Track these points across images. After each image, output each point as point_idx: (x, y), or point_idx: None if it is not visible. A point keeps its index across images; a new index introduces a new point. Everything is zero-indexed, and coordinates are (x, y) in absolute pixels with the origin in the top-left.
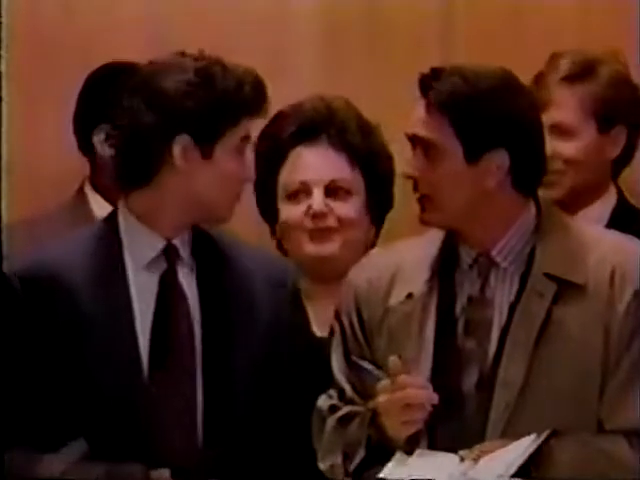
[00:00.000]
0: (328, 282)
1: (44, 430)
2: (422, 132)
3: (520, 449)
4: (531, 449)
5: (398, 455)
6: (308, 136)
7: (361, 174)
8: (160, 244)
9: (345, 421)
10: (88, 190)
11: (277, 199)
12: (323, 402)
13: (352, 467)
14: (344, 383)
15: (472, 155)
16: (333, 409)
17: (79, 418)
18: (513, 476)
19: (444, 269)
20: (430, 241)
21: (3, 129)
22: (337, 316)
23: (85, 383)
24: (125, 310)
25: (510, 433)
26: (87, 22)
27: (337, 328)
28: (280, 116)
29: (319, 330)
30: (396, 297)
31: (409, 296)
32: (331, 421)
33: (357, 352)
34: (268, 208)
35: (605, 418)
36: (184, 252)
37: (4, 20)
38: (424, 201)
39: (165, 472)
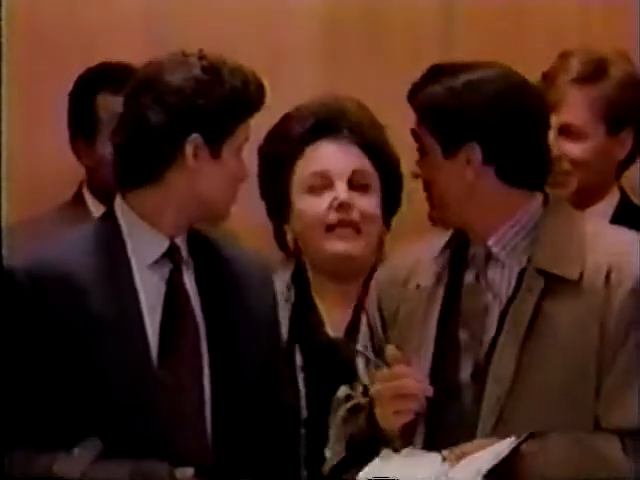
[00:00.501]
0: (345, 281)
1: (52, 428)
2: (415, 129)
3: (496, 451)
4: (505, 452)
5: (383, 453)
6: (327, 130)
7: (377, 170)
8: (165, 243)
9: (354, 412)
10: (86, 193)
11: (289, 197)
12: (342, 392)
13: (328, 466)
14: (367, 379)
15: (448, 150)
16: (348, 399)
17: (88, 416)
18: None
19: (455, 263)
20: (446, 237)
21: (3, 129)
22: (364, 311)
23: (94, 380)
24: (133, 308)
25: (501, 428)
26: (87, 21)
27: (364, 323)
28: (289, 117)
29: (333, 331)
30: (407, 289)
31: (417, 287)
32: (342, 411)
33: (378, 345)
34: (277, 208)
35: (601, 415)
36: (184, 251)
37: (4, 19)
38: (430, 199)
39: (189, 470)
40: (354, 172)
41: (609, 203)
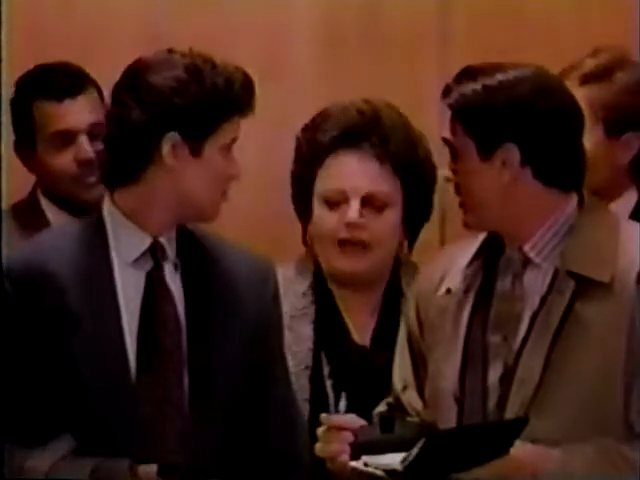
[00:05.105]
0: (358, 291)
1: (30, 427)
2: (446, 134)
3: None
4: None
5: None
6: (351, 141)
7: (401, 185)
8: (147, 242)
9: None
10: (40, 195)
11: (312, 201)
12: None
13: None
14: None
15: (485, 151)
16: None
17: (66, 416)
18: None
19: (488, 268)
20: (479, 241)
21: (3, 129)
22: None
23: (72, 381)
24: (112, 308)
25: (526, 431)
26: (87, 21)
27: (402, 330)
28: (323, 116)
29: (358, 338)
30: (439, 294)
31: (447, 292)
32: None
33: (417, 351)
34: (303, 208)
35: (635, 420)
36: (170, 250)
37: (3, 18)
38: (463, 204)
39: (153, 467)
40: (369, 192)
41: (626, 205)
